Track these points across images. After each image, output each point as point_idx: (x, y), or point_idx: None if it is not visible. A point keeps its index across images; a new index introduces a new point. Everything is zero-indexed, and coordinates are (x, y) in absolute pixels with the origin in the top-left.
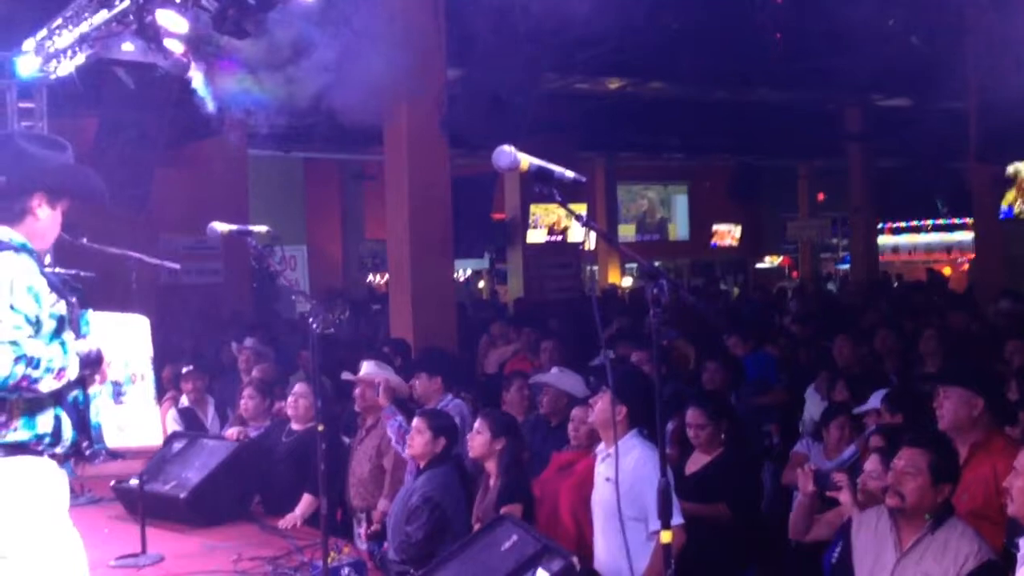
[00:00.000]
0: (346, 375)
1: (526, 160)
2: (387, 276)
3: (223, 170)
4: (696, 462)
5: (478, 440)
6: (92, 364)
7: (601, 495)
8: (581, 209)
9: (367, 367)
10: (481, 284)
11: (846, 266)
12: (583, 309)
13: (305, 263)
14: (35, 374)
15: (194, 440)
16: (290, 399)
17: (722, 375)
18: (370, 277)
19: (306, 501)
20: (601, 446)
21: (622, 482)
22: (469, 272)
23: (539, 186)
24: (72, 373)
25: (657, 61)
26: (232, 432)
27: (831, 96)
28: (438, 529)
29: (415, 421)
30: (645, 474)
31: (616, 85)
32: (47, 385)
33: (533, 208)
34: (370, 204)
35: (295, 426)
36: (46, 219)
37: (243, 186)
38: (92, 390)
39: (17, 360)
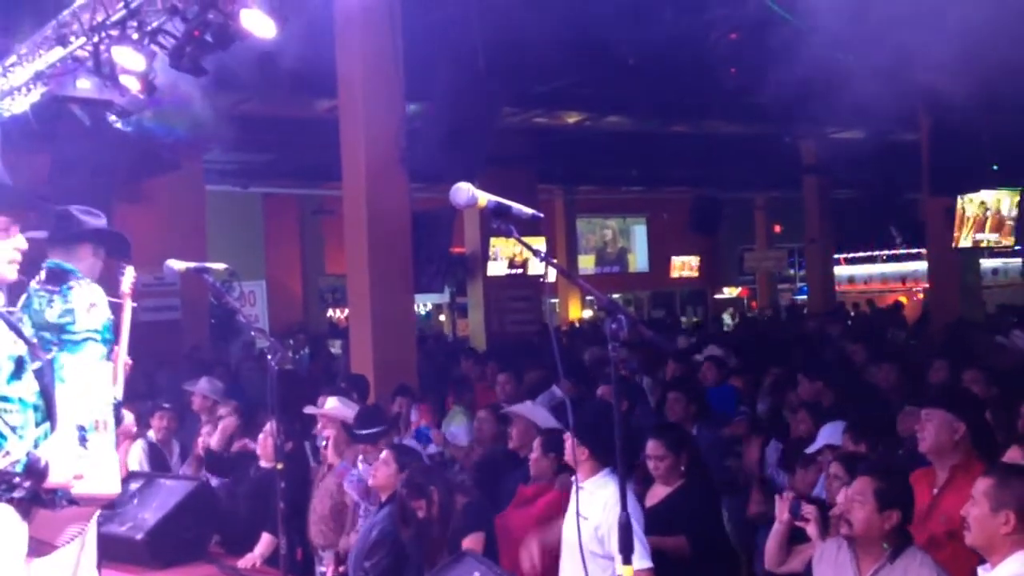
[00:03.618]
0: (309, 409)
1: (484, 197)
2: (347, 311)
3: (181, 206)
4: (655, 495)
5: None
6: (34, 474)
7: (568, 530)
8: (540, 242)
9: (330, 402)
10: (442, 318)
11: (804, 296)
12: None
13: (264, 298)
14: None
15: (151, 480)
16: (260, 436)
17: (683, 406)
18: (330, 312)
19: (266, 540)
20: (574, 478)
21: (592, 521)
22: (430, 306)
23: (497, 222)
24: (19, 464)
25: (614, 95)
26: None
27: (786, 129)
28: (397, 564)
29: (384, 453)
30: (614, 515)
31: (574, 119)
32: None
33: (493, 241)
34: (329, 239)
35: (264, 464)
36: None
37: (201, 222)
38: (58, 434)
39: None
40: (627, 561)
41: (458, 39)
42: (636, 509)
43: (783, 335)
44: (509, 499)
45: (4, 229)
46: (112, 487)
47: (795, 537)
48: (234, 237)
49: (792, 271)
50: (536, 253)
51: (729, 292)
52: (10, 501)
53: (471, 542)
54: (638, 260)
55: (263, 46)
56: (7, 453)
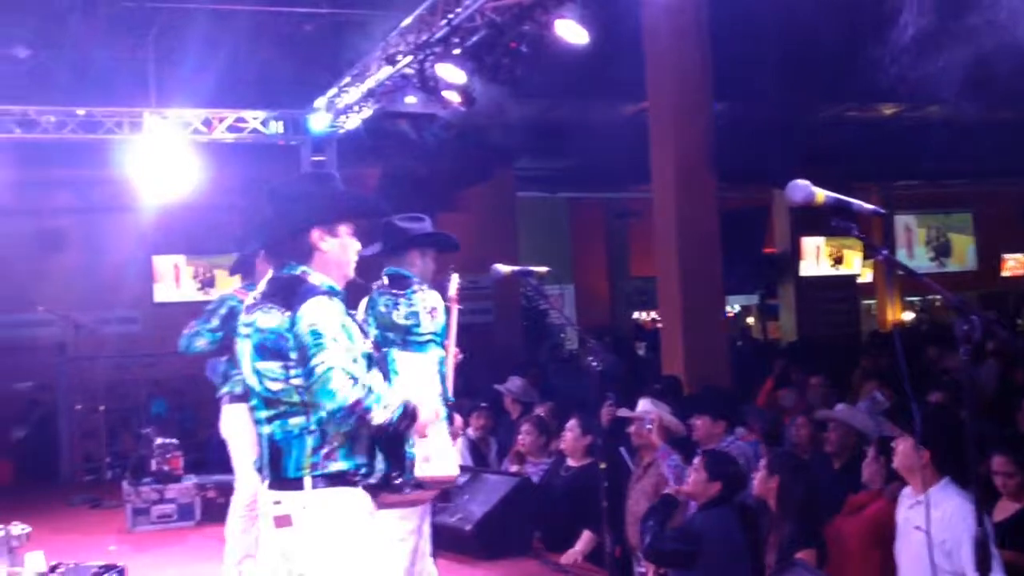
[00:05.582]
0: (623, 411)
1: (821, 193)
2: (654, 313)
3: (494, 213)
4: (1005, 509)
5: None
6: (409, 417)
7: (909, 544)
8: (857, 243)
9: (643, 404)
10: (750, 320)
11: None
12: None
13: (572, 301)
14: (368, 401)
15: (477, 475)
16: (564, 435)
17: None
18: (636, 314)
19: (586, 538)
20: (907, 491)
21: (935, 534)
22: (738, 307)
23: (836, 220)
24: (397, 411)
25: (933, 85)
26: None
27: None
28: (689, 551)
29: (696, 459)
30: (962, 527)
31: (891, 111)
32: (378, 415)
33: (804, 240)
34: (634, 241)
35: (571, 462)
36: (332, 249)
37: (513, 227)
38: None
39: (353, 380)
40: None
41: (768, 36)
42: (987, 522)
43: None
44: (825, 506)
45: (352, 235)
46: (452, 470)
47: None
48: (542, 241)
49: None
50: (879, 251)
51: None
52: (365, 487)
53: (804, 556)
54: (965, 258)
55: (573, 53)
56: (386, 406)
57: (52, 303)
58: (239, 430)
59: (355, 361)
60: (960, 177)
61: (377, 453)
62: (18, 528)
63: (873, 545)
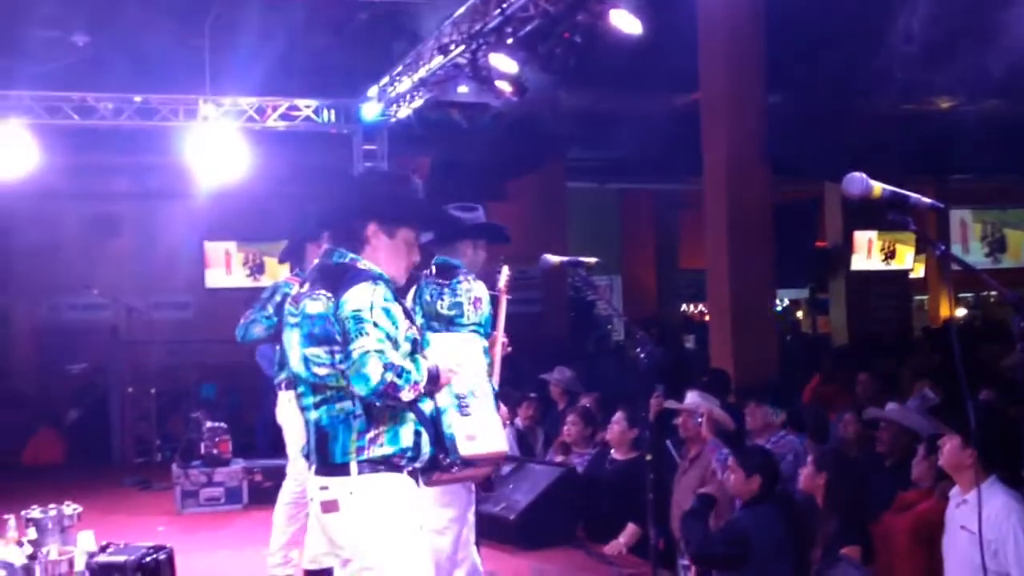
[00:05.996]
0: (670, 403)
1: (879, 187)
2: (701, 306)
3: (544, 203)
4: None
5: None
6: (433, 381)
7: (956, 544)
8: (909, 237)
9: (691, 397)
10: (799, 314)
11: None
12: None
13: (620, 292)
14: (398, 382)
15: (521, 464)
16: (611, 427)
17: None
18: (684, 306)
19: (630, 530)
20: (955, 490)
21: (983, 534)
22: (787, 301)
23: (893, 214)
24: (423, 387)
25: (992, 77)
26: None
27: None
28: (737, 554)
29: (729, 461)
30: (1008, 526)
31: (948, 104)
32: (407, 395)
33: (856, 234)
34: (684, 233)
35: (616, 455)
36: (384, 247)
37: (562, 218)
38: (442, 404)
39: (386, 368)
40: None
41: (823, 26)
42: None
43: None
44: (875, 505)
45: (416, 243)
46: (500, 445)
47: None
48: (591, 232)
49: None
50: (935, 246)
51: None
52: (411, 472)
53: (849, 552)
54: (1021, 253)
55: (625, 43)
56: (415, 383)
57: (106, 287)
58: (295, 416)
59: (396, 345)
60: (1017, 172)
61: (422, 436)
62: (70, 508)
63: (920, 543)
